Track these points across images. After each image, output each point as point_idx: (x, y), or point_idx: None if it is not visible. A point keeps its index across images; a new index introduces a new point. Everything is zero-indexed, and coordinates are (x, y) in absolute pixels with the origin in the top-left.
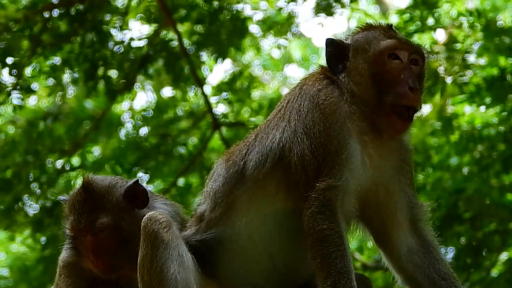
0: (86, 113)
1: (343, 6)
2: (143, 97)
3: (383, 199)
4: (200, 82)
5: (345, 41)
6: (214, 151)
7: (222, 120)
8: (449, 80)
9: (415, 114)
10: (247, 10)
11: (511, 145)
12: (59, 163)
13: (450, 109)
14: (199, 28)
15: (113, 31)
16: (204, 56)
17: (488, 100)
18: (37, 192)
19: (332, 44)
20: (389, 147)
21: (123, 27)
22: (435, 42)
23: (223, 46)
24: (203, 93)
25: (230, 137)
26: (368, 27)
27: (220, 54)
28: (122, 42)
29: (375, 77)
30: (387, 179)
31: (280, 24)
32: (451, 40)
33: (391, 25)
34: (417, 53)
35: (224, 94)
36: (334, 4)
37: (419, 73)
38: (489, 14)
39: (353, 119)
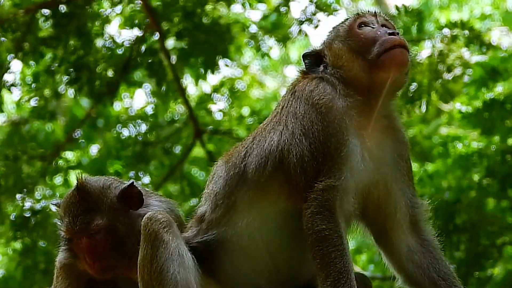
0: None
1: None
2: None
3: (383, 197)
4: (182, 88)
5: (318, 48)
6: (196, 161)
7: (204, 128)
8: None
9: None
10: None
11: (508, 165)
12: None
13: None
14: (183, 42)
15: (97, 34)
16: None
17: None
18: (17, 199)
19: (308, 56)
20: (386, 139)
21: (106, 31)
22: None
23: (209, 55)
24: (185, 99)
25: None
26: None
27: (207, 64)
28: (105, 46)
29: (354, 48)
30: (386, 172)
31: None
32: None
33: None
34: (381, 16)
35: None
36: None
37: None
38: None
39: (351, 115)
